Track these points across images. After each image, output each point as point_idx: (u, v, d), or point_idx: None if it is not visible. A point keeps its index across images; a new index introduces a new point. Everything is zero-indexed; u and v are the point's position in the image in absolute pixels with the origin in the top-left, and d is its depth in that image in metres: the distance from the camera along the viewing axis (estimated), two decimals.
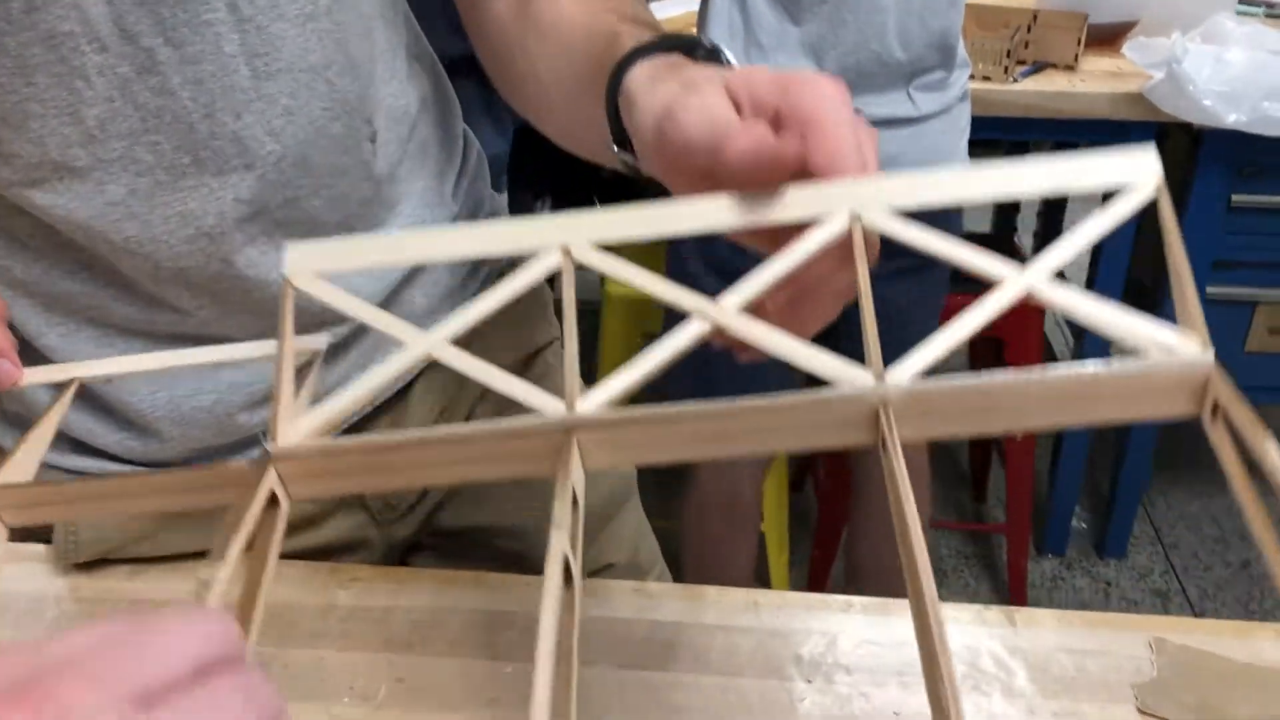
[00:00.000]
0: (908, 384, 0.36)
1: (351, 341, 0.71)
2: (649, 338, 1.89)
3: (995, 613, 0.69)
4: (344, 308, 0.43)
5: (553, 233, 0.42)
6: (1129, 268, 1.92)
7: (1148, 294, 2.00)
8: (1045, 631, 0.68)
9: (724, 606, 0.70)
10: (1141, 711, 0.62)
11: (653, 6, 2.00)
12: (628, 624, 0.68)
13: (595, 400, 0.38)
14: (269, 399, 0.69)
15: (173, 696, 0.27)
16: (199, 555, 0.73)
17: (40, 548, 0.73)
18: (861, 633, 0.68)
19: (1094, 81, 1.76)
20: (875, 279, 1.48)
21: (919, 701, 0.63)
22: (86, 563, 0.72)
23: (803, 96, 0.43)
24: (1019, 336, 1.87)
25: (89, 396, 0.68)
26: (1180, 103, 1.64)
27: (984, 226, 2.68)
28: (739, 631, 0.68)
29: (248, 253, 0.64)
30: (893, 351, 1.17)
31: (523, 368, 0.81)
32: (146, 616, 0.29)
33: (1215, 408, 0.35)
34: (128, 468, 0.70)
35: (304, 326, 0.65)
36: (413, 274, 0.73)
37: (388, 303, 0.71)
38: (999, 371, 0.36)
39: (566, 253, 0.42)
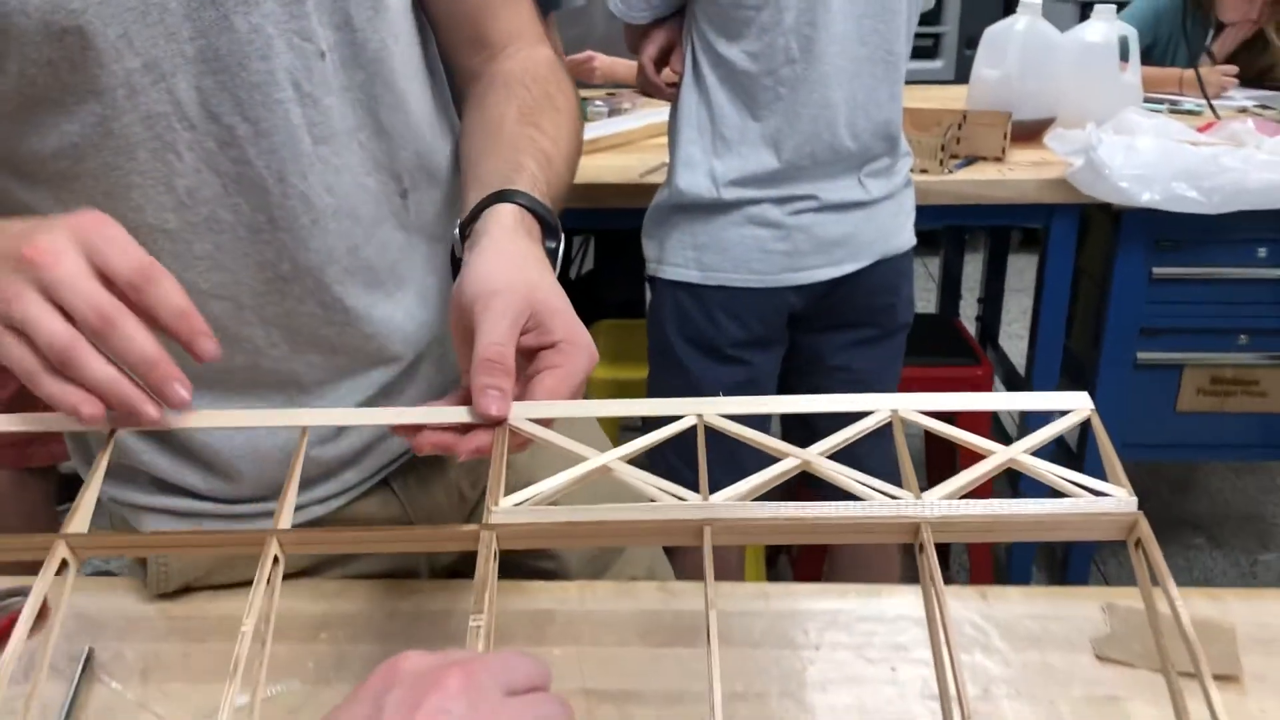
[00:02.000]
0: (941, 508, 0.54)
1: (403, 384, 0.82)
2: (628, 430, 2.01)
3: (970, 590, 0.80)
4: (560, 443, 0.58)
5: (690, 406, 0.61)
6: (1065, 343, 2.08)
7: (1080, 365, 2.16)
8: (1013, 603, 0.79)
9: (738, 597, 0.81)
10: (1099, 658, 0.73)
11: (630, 117, 2.17)
12: (655, 614, 0.79)
13: (725, 496, 0.55)
14: (335, 435, 0.79)
15: (520, 698, 0.44)
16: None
17: (127, 580, 0.82)
18: (858, 611, 0.79)
19: (1021, 170, 1.94)
20: (837, 349, 1.67)
21: (913, 660, 0.73)
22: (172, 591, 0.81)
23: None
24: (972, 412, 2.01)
25: (172, 442, 0.78)
26: (1099, 185, 1.82)
27: (930, 308, 2.85)
28: (753, 615, 0.78)
29: (317, 295, 0.74)
30: (858, 414, 1.31)
31: None
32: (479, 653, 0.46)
33: (1138, 542, 0.53)
34: (209, 504, 0.80)
35: (365, 358, 0.77)
36: None
37: (436, 341, 0.82)
38: (1004, 502, 0.55)
39: (700, 416, 0.60)
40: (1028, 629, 0.76)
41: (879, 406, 0.61)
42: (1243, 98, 2.52)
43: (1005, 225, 2.66)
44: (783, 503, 0.53)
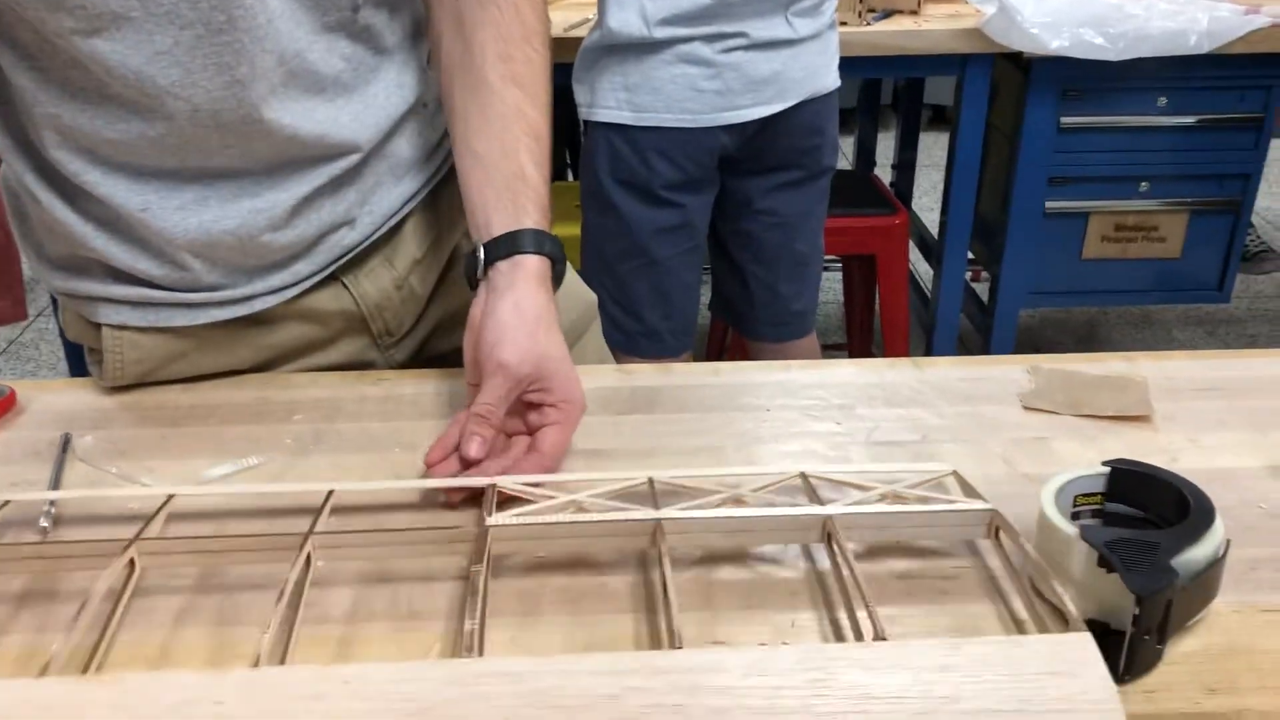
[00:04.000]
0: (842, 511, 0.63)
1: (351, 179, 0.83)
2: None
3: (905, 361, 0.86)
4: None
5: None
6: (975, 207, 2.16)
7: (990, 228, 2.24)
8: (945, 369, 0.85)
9: (691, 374, 0.85)
10: (1026, 408, 0.80)
11: None
12: (614, 389, 0.83)
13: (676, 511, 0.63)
14: (288, 222, 0.80)
15: None
16: (227, 374, 0.85)
17: (94, 380, 0.84)
18: (804, 380, 0.84)
19: (936, 22, 1.99)
20: (765, 192, 1.73)
21: (856, 416, 0.79)
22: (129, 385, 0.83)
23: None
24: (889, 258, 2.09)
25: (125, 230, 0.79)
26: (1011, 33, 1.88)
27: (846, 165, 2.91)
28: (707, 387, 0.83)
29: (270, 101, 0.75)
30: (786, 257, 1.50)
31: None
32: None
33: (996, 532, 0.63)
34: (164, 293, 0.81)
35: (309, 160, 0.79)
36: (395, 129, 0.85)
37: (379, 147, 0.84)
38: (886, 505, 0.64)
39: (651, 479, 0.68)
40: (959, 388, 0.82)
41: (788, 470, 0.69)
42: None
43: (920, 77, 2.71)
44: (720, 508, 0.64)
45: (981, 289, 2.36)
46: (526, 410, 0.74)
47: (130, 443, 0.77)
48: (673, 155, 1.51)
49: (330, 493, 0.66)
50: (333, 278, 0.86)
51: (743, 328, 1.78)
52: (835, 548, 0.61)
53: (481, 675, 0.50)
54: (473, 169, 0.79)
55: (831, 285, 2.91)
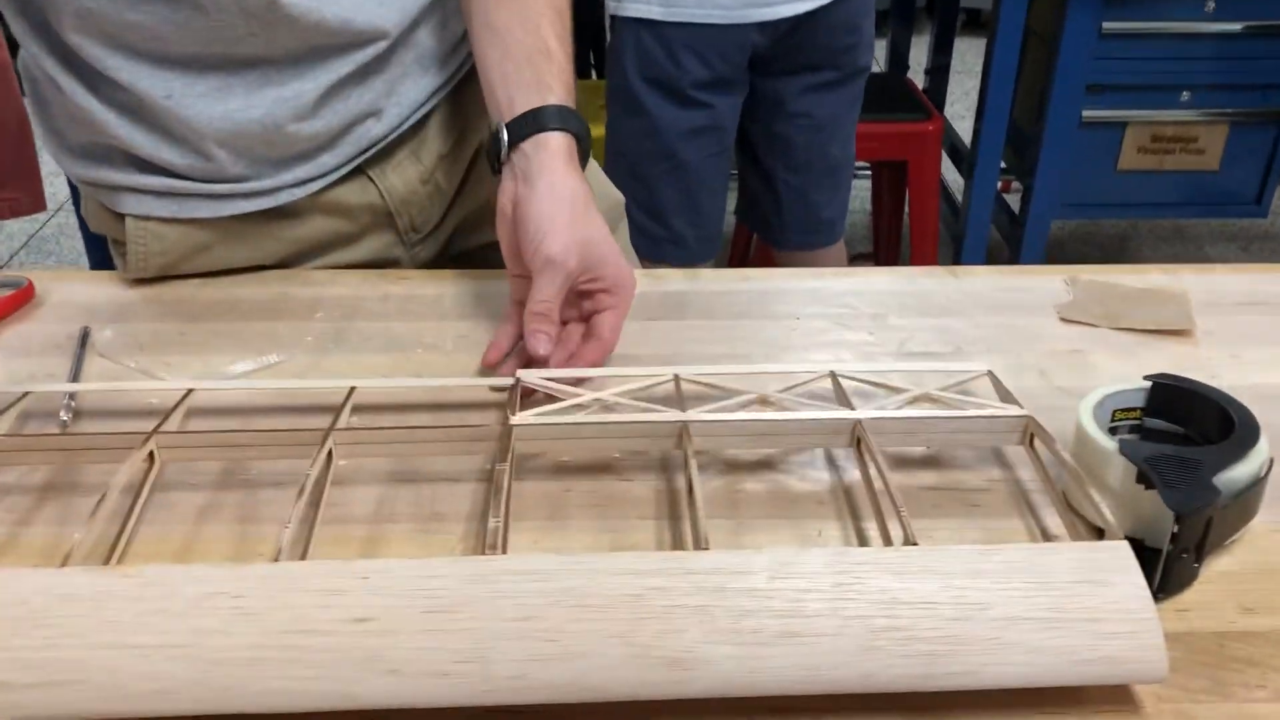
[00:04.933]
0: (872, 415, 0.62)
1: (378, 68, 0.81)
2: None
3: (941, 270, 0.84)
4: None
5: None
6: (1010, 115, 2.10)
7: (1025, 137, 2.19)
8: (981, 279, 0.83)
9: (720, 279, 0.83)
10: (1063, 319, 0.78)
11: None
12: (642, 294, 0.81)
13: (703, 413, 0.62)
14: (314, 112, 0.78)
15: None
16: (252, 269, 0.84)
17: (115, 274, 0.83)
18: (834, 287, 0.82)
19: None
20: (797, 93, 1.67)
21: (889, 326, 0.77)
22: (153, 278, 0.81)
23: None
24: (921, 164, 2.04)
25: (149, 118, 0.77)
26: None
27: (878, 68, 2.84)
28: (736, 294, 0.81)
29: None
30: (818, 162, 1.45)
31: None
32: None
33: (1031, 439, 0.61)
34: (188, 184, 0.79)
35: (335, 48, 0.76)
36: (422, 19, 0.83)
37: (406, 35, 0.81)
38: (916, 410, 0.63)
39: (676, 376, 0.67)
40: (995, 298, 0.80)
41: (817, 369, 0.68)
42: None
43: None
44: (747, 411, 0.63)
45: (1013, 199, 2.31)
46: (579, 298, 0.72)
47: (150, 337, 0.76)
48: (703, 52, 1.47)
49: (352, 389, 0.65)
50: (359, 171, 0.84)
51: (769, 235, 1.75)
52: (865, 452, 0.59)
53: (505, 572, 0.49)
54: (491, 45, 0.76)
55: (859, 193, 2.86)
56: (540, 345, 0.68)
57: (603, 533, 0.58)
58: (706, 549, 0.52)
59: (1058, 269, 0.84)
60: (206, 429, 0.64)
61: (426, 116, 0.86)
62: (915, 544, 0.52)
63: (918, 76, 2.85)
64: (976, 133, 2.14)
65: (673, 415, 0.61)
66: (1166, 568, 0.53)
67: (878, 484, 0.57)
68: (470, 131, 0.89)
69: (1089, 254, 2.81)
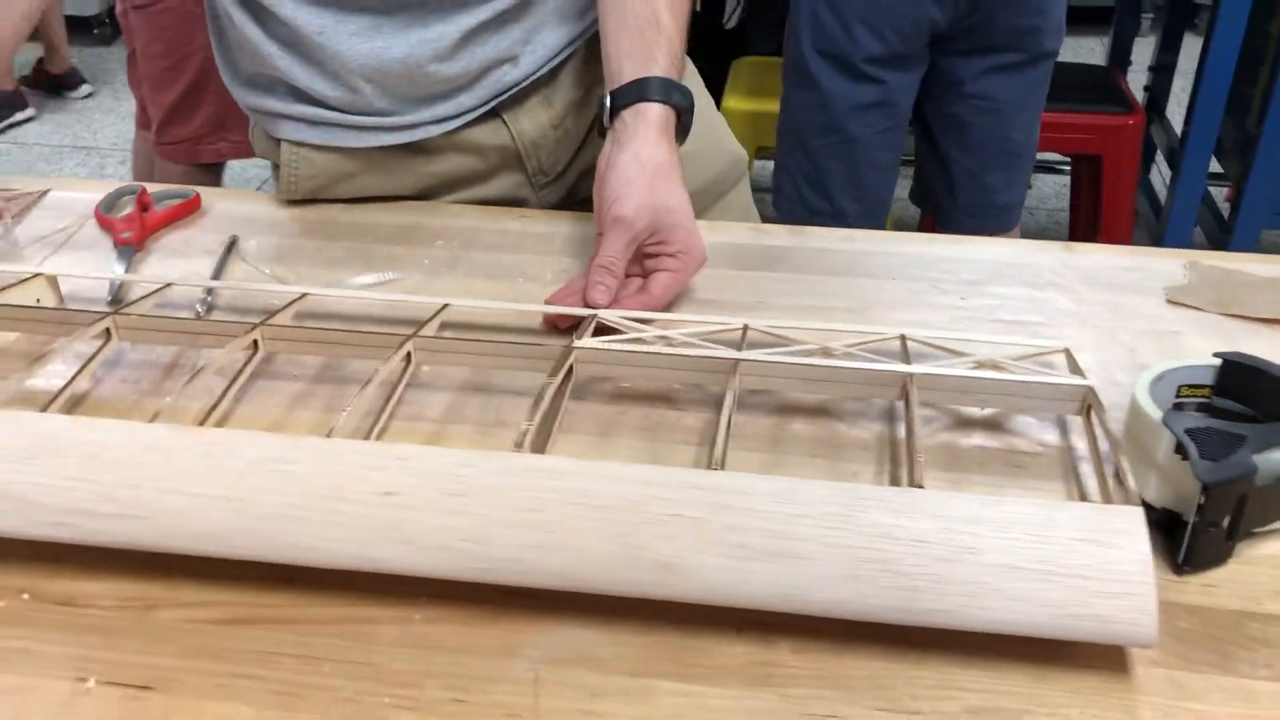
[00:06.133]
0: (925, 370, 0.62)
1: (517, 15, 0.86)
2: (764, 150, 2.02)
3: (1056, 245, 0.82)
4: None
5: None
6: (1229, 115, 1.97)
7: (1244, 140, 2.05)
8: (1097, 256, 0.81)
9: (825, 237, 0.84)
10: (1170, 301, 0.75)
11: None
12: (743, 246, 0.83)
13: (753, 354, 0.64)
14: (453, 55, 0.84)
15: None
16: (387, 199, 0.90)
17: (269, 193, 0.91)
18: (940, 253, 0.82)
19: None
20: (977, 74, 1.62)
21: (983, 293, 0.76)
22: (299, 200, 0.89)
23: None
24: (1116, 159, 1.95)
25: (305, 51, 0.84)
26: None
27: (1097, 58, 2.69)
28: (837, 252, 0.82)
29: None
30: (996, 146, 1.43)
31: None
32: None
33: (1089, 410, 0.60)
34: (336, 114, 0.86)
35: (458, 4, 0.81)
36: None
37: None
38: (968, 369, 0.63)
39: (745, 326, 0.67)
40: (1106, 276, 0.78)
41: (887, 331, 0.68)
42: None
43: None
44: (801, 356, 0.64)
45: (1223, 203, 2.17)
46: (645, 259, 0.75)
47: (289, 250, 0.83)
48: (878, 26, 1.46)
49: (444, 305, 0.70)
50: (493, 114, 0.90)
51: (941, 218, 1.72)
52: (906, 403, 0.60)
53: (526, 469, 0.53)
54: (609, 14, 0.80)
55: (1058, 189, 2.74)
56: (599, 296, 0.71)
57: (646, 453, 0.61)
58: (719, 469, 0.54)
59: (1180, 253, 0.80)
60: (311, 326, 0.71)
61: (561, 65, 0.90)
62: (921, 487, 0.52)
63: (1140, 75, 2.71)
64: (1185, 131, 2.02)
65: (726, 353, 0.64)
66: (1192, 540, 0.52)
67: (916, 429, 0.57)
68: (601, 82, 0.93)
69: None
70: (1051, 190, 2.85)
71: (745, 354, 0.63)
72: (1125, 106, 1.98)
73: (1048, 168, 2.73)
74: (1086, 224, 2.26)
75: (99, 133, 3.23)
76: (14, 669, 0.48)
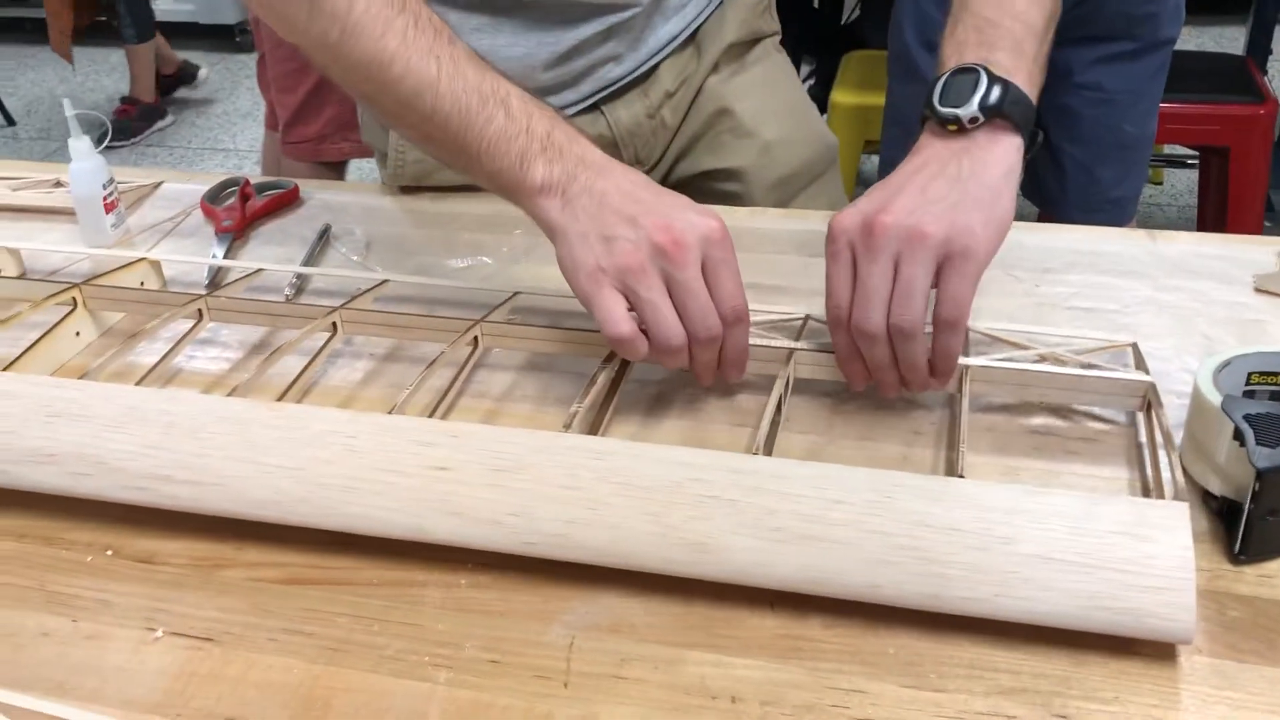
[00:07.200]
0: (980, 363, 0.62)
1: (626, 28, 0.87)
2: (871, 144, 2.00)
3: (1140, 233, 0.80)
4: None
5: None
6: None
7: None
8: (1181, 244, 0.78)
9: None
10: (1257, 289, 0.72)
11: None
12: (817, 233, 0.83)
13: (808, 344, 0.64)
14: (564, 61, 0.86)
15: None
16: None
17: (368, 183, 0.95)
18: (1023, 239, 0.80)
19: None
20: (1088, 64, 1.57)
21: (1055, 282, 0.75)
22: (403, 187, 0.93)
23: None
24: (1245, 152, 1.87)
25: None
26: None
27: (1236, 48, 2.57)
28: None
29: None
30: (1109, 138, 1.38)
31: None
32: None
33: (1149, 406, 0.59)
34: None
35: (597, 7, 0.83)
36: None
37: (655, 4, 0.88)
38: (1026, 362, 0.62)
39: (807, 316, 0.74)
40: (1190, 264, 0.76)
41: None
42: None
43: None
44: None
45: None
46: None
47: (377, 238, 0.87)
48: None
49: (515, 294, 0.73)
50: (593, 107, 0.92)
51: (1052, 210, 1.67)
52: (960, 392, 0.59)
53: (569, 448, 0.54)
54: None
55: (1188, 183, 2.63)
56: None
57: (695, 433, 0.62)
58: (759, 454, 0.54)
59: (1273, 240, 0.77)
60: (386, 310, 0.74)
61: (656, 66, 0.92)
62: (961, 475, 0.52)
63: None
64: None
65: (783, 343, 0.64)
66: (1248, 528, 0.50)
67: (963, 420, 0.57)
68: (698, 72, 0.94)
69: None
70: (1185, 185, 2.74)
71: (800, 344, 0.64)
72: (1256, 96, 1.89)
73: (1179, 162, 2.63)
74: (1214, 219, 2.16)
75: (237, 136, 3.39)
76: (94, 618, 0.52)
